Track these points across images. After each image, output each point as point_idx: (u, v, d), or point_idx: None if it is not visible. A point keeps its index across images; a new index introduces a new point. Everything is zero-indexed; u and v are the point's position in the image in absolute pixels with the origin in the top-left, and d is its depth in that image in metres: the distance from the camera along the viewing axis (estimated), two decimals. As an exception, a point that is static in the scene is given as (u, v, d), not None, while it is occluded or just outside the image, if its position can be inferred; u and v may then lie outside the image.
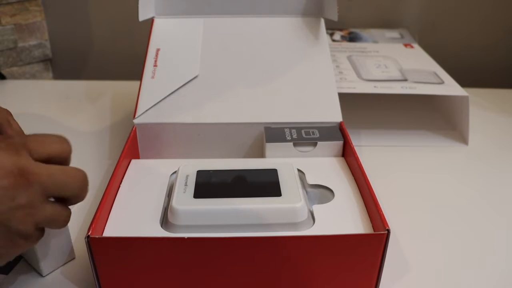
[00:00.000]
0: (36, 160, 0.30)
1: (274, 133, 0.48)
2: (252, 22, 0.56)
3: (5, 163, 0.29)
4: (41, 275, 0.39)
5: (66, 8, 0.81)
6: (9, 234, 0.29)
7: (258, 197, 0.38)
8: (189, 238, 0.34)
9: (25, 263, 0.40)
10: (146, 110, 0.49)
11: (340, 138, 0.47)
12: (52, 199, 0.32)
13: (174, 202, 0.37)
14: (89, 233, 0.33)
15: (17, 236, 0.30)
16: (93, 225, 0.34)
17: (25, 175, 0.29)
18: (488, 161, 0.57)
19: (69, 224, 0.37)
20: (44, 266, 0.39)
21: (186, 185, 0.39)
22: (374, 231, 0.36)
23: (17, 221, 0.29)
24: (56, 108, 0.68)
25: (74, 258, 0.41)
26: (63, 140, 0.33)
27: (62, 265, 0.40)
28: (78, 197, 0.33)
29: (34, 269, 0.40)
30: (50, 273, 0.39)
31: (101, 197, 0.37)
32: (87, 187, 0.33)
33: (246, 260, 0.35)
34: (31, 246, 0.32)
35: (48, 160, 0.31)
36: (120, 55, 0.84)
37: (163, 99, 0.50)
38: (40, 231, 0.32)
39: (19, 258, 0.40)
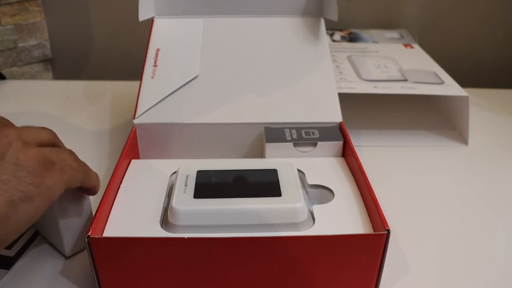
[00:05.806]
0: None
1: (274, 133, 0.48)
2: (252, 22, 0.56)
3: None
4: (65, 256, 0.40)
5: (66, 8, 0.81)
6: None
7: (258, 197, 0.38)
8: (189, 238, 0.34)
9: (23, 261, 0.40)
10: (146, 110, 0.49)
11: (340, 138, 0.47)
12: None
13: (174, 202, 0.37)
14: (89, 233, 0.33)
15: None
16: (93, 225, 0.34)
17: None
18: (488, 161, 0.57)
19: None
20: (67, 246, 0.39)
21: (186, 185, 0.39)
22: (374, 231, 0.36)
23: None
24: (56, 108, 0.68)
25: None
26: (47, 129, 0.35)
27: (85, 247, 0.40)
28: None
29: (58, 251, 0.40)
30: (74, 254, 0.40)
31: (101, 197, 0.37)
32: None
33: (246, 260, 0.35)
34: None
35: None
36: (120, 55, 0.84)
37: (163, 99, 0.50)
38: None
39: (18, 255, 0.41)
